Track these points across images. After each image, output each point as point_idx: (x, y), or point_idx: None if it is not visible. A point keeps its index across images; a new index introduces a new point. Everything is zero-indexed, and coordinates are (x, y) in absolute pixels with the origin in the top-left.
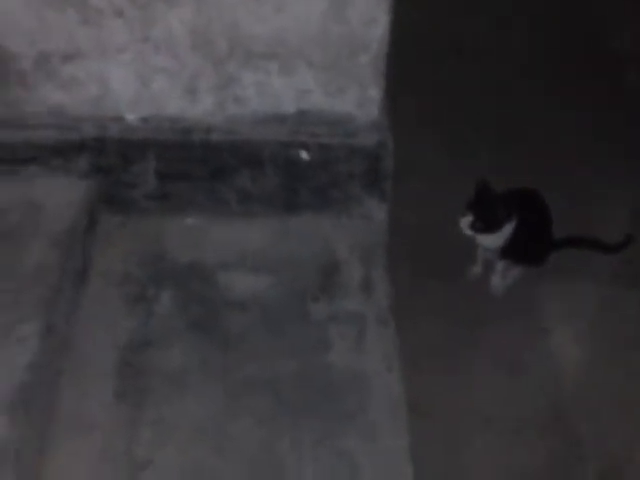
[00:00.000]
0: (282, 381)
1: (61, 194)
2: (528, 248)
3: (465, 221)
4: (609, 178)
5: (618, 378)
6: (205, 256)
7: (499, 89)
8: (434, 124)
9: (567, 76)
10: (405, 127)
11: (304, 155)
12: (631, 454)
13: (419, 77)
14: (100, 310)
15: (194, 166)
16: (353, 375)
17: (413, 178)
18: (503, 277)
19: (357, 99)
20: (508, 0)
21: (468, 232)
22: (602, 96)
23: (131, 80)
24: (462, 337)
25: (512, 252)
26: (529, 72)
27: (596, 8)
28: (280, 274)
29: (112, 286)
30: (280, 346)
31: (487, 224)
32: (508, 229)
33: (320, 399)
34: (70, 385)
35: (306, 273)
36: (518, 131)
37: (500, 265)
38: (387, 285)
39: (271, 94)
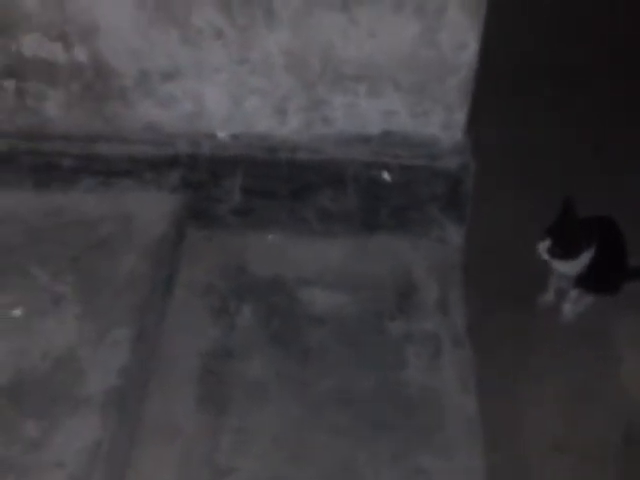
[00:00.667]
0: (359, 396)
1: (152, 207)
2: (603, 277)
3: (543, 246)
4: None
5: None
6: (285, 272)
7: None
8: (511, 149)
9: None
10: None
11: (386, 176)
12: None
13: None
14: (185, 319)
15: (279, 184)
16: (429, 393)
17: (488, 201)
18: (575, 305)
19: (442, 122)
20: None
21: (545, 257)
22: None
23: (225, 99)
24: (532, 364)
25: (587, 280)
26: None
27: None
28: (358, 292)
29: (196, 297)
30: (358, 362)
31: (566, 250)
32: (586, 257)
33: (397, 415)
34: (156, 390)
35: (384, 292)
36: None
37: (573, 293)
38: (463, 307)
39: (358, 115)
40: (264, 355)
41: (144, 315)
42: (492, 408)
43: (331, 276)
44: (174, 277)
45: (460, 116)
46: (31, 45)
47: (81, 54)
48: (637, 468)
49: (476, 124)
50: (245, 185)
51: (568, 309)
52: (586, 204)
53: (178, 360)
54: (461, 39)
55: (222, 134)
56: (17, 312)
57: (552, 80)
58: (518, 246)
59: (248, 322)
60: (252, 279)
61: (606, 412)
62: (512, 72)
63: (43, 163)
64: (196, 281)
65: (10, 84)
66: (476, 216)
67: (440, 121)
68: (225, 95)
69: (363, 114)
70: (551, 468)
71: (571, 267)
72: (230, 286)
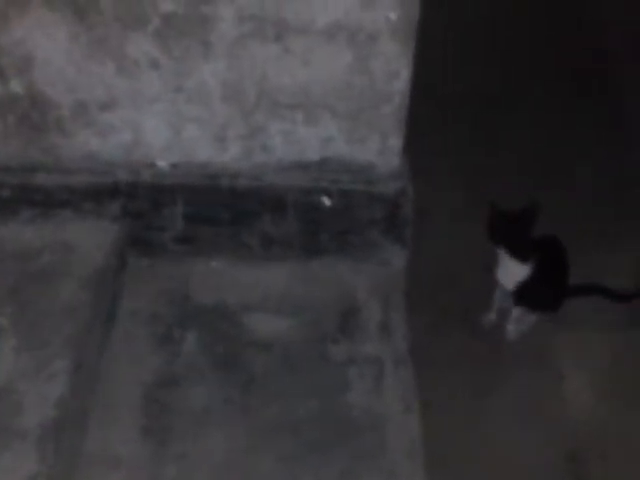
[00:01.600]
0: (303, 421)
1: (93, 237)
2: (544, 294)
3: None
4: (628, 225)
5: (633, 424)
6: (229, 298)
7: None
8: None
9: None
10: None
11: (326, 201)
12: None
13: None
14: (128, 348)
15: (220, 211)
16: (372, 416)
17: (429, 220)
18: (518, 324)
19: (378, 148)
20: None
21: (496, 242)
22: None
23: (163, 128)
24: (476, 384)
25: (527, 297)
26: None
27: None
28: (301, 316)
29: (140, 326)
30: (301, 386)
31: (518, 250)
32: (524, 270)
33: (340, 439)
34: (98, 421)
35: (326, 316)
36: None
37: (515, 312)
38: (405, 329)
39: (296, 142)
40: (208, 382)
41: (83, 346)
42: (439, 428)
43: (274, 301)
44: (116, 306)
45: (396, 142)
46: None
47: (16, 86)
48: None
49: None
50: (186, 213)
51: (511, 328)
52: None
53: (120, 390)
54: (393, 68)
55: (162, 163)
56: None
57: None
58: (463, 267)
59: (192, 349)
60: (196, 306)
61: (550, 430)
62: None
63: None
64: (139, 310)
65: None
66: (421, 237)
67: (376, 147)
68: (163, 124)
69: (301, 141)
70: None
71: (517, 272)
72: (174, 314)
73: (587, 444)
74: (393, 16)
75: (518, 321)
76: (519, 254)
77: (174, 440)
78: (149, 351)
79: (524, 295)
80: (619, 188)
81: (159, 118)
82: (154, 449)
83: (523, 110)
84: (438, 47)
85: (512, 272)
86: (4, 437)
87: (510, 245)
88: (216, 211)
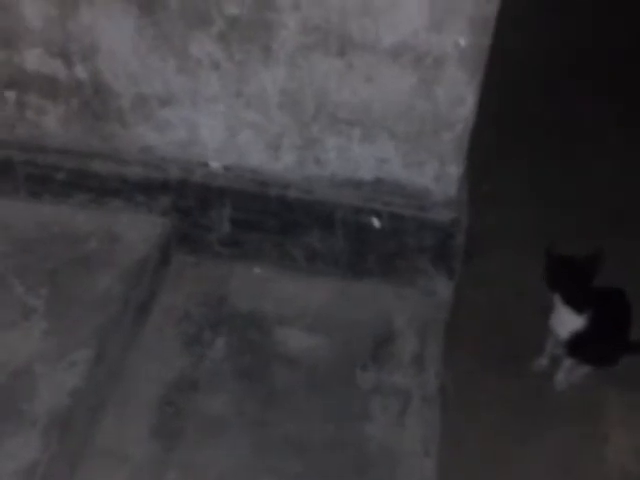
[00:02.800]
0: (315, 445)
1: (140, 229)
2: (599, 348)
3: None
4: None
5: None
6: (265, 307)
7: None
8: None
9: None
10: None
11: (375, 222)
12: None
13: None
14: (155, 345)
15: (268, 218)
16: (388, 451)
17: (487, 256)
18: (568, 374)
19: (435, 174)
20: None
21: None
22: None
23: (219, 130)
24: (516, 432)
25: (581, 349)
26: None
27: None
28: (334, 336)
29: (171, 324)
30: (321, 409)
31: (574, 299)
32: (583, 318)
33: (350, 469)
34: (111, 415)
35: (360, 339)
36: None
37: (567, 362)
38: (439, 364)
39: (351, 159)
40: (228, 391)
41: (109, 337)
42: (469, 469)
43: (310, 317)
44: (152, 301)
45: (454, 170)
46: (33, 60)
47: (81, 72)
48: None
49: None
50: (234, 216)
51: (561, 378)
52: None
53: (139, 387)
54: (458, 94)
55: (214, 164)
56: None
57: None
58: (515, 306)
59: (219, 355)
60: (231, 311)
61: None
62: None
63: (38, 175)
64: (174, 307)
65: (11, 95)
66: (472, 271)
67: (433, 173)
68: (219, 126)
69: (356, 158)
70: None
71: (570, 322)
72: (207, 316)
73: None
74: (462, 42)
75: (569, 372)
76: (575, 303)
77: (181, 446)
78: (176, 351)
79: (577, 346)
80: None
81: (216, 119)
82: (160, 452)
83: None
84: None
85: (566, 321)
86: (12, 421)
87: (566, 293)
88: (264, 218)
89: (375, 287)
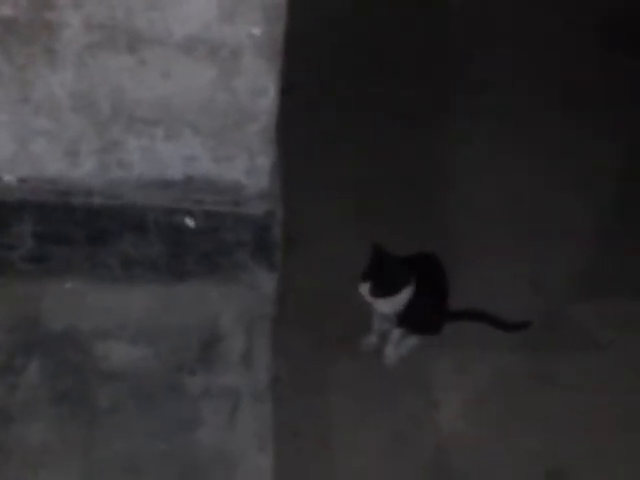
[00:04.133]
0: (148, 461)
1: None
2: (423, 316)
3: (364, 287)
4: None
5: (505, 453)
6: (82, 323)
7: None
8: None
9: None
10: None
11: (189, 222)
12: None
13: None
14: None
15: (74, 229)
16: (222, 454)
17: (310, 244)
18: (397, 347)
19: (246, 167)
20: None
21: (368, 298)
22: None
23: (8, 140)
24: (352, 414)
25: (408, 320)
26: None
27: None
28: (160, 345)
29: None
30: (149, 423)
31: (386, 289)
32: (405, 294)
33: None
34: None
35: (186, 344)
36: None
37: (395, 334)
38: (268, 359)
39: (157, 159)
40: (49, 417)
41: None
42: (307, 457)
43: (132, 327)
44: None
45: (264, 161)
46: None
47: None
48: None
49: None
50: (36, 231)
51: (390, 351)
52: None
53: None
54: (259, 84)
55: (8, 177)
56: None
57: None
58: (344, 291)
59: (33, 381)
60: (44, 332)
61: (421, 460)
62: None
63: None
64: None
65: None
66: (299, 259)
67: (244, 167)
68: (7, 136)
69: (162, 158)
70: None
71: (391, 305)
72: (17, 341)
73: (457, 474)
74: (257, 31)
75: (398, 344)
76: (389, 293)
77: None
78: None
79: (403, 316)
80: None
81: (3, 130)
82: None
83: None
84: None
85: (390, 303)
86: None
87: (379, 289)
88: (69, 229)
89: (198, 288)
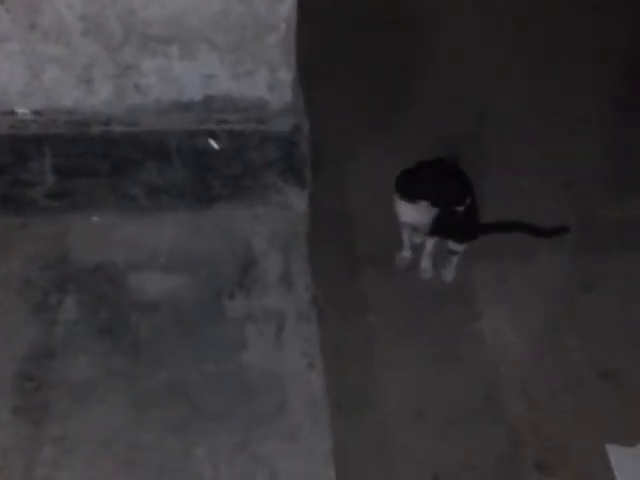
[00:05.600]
0: (195, 387)
1: None
2: (458, 220)
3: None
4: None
5: (551, 360)
6: (113, 256)
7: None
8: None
9: None
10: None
11: (213, 144)
12: (567, 439)
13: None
14: None
15: (95, 161)
16: (271, 374)
17: (335, 163)
18: (431, 260)
19: (267, 82)
20: None
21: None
22: None
23: (19, 71)
24: (392, 329)
25: (439, 227)
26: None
27: None
28: (194, 272)
29: (12, 294)
30: (193, 349)
31: (449, 200)
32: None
33: (236, 403)
34: None
35: (222, 269)
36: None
37: (429, 245)
38: (308, 278)
39: (174, 80)
40: (90, 351)
41: None
42: (347, 378)
43: (164, 256)
44: None
45: (286, 75)
46: None
47: None
48: (501, 426)
49: None
50: (56, 164)
51: (426, 263)
52: None
53: None
54: None
55: (22, 110)
56: None
57: None
58: (370, 209)
59: (71, 317)
60: (75, 267)
61: (467, 371)
62: None
63: None
64: (11, 276)
65: None
66: (322, 180)
67: (265, 82)
68: (18, 66)
69: (179, 79)
70: (412, 434)
71: (427, 215)
72: (50, 278)
73: (505, 383)
74: None
75: (431, 256)
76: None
77: (51, 419)
78: (22, 322)
79: (438, 226)
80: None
81: (12, 60)
82: (29, 429)
83: None
84: None
85: (425, 212)
86: None
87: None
88: (90, 161)
89: (227, 212)
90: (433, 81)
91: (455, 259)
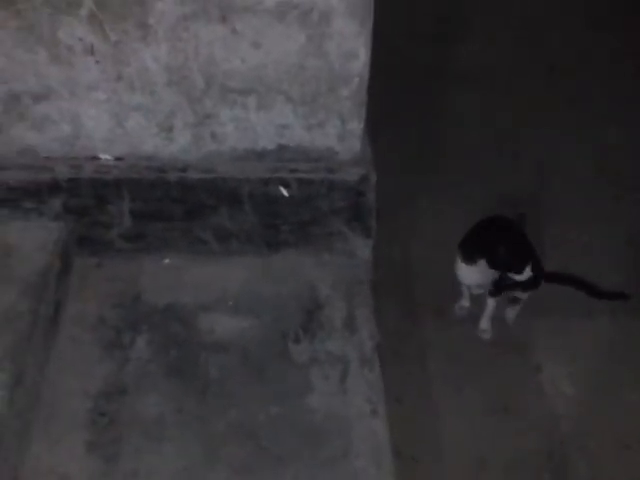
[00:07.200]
0: (262, 427)
1: (34, 237)
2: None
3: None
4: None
5: (612, 417)
6: (183, 297)
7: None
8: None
9: None
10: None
11: (284, 191)
12: None
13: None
14: (73, 357)
15: (170, 205)
16: (336, 419)
17: (399, 213)
18: (491, 320)
19: (338, 133)
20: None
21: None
22: None
23: (105, 118)
24: (452, 380)
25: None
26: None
27: None
28: (261, 314)
29: (86, 331)
30: (260, 390)
31: (510, 264)
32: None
33: (301, 445)
34: (40, 437)
35: (288, 313)
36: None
37: (490, 306)
38: (372, 325)
39: (249, 129)
40: (160, 390)
41: (24, 357)
42: (408, 426)
43: (232, 299)
44: (61, 311)
45: (356, 126)
46: None
47: None
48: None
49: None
50: (134, 208)
51: (485, 324)
52: None
53: (65, 402)
54: (350, 48)
55: (105, 156)
56: None
57: None
58: (428, 257)
59: (143, 355)
60: (147, 307)
61: (528, 423)
62: None
63: None
64: (85, 314)
65: None
66: (390, 228)
67: (336, 132)
68: (104, 114)
69: (255, 128)
70: None
71: (488, 277)
72: (123, 317)
73: (565, 437)
74: None
75: (492, 316)
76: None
77: (123, 455)
78: (96, 359)
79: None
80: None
81: (99, 108)
82: (102, 466)
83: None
84: None
85: (488, 274)
86: None
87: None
88: (166, 205)
89: (294, 258)
90: (493, 135)
91: (519, 305)
